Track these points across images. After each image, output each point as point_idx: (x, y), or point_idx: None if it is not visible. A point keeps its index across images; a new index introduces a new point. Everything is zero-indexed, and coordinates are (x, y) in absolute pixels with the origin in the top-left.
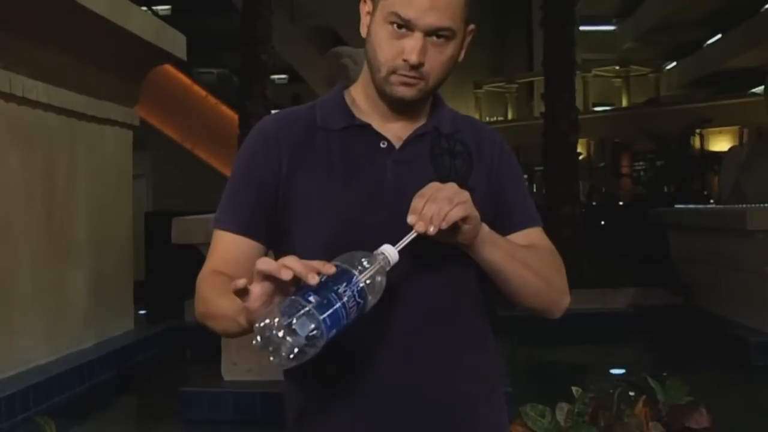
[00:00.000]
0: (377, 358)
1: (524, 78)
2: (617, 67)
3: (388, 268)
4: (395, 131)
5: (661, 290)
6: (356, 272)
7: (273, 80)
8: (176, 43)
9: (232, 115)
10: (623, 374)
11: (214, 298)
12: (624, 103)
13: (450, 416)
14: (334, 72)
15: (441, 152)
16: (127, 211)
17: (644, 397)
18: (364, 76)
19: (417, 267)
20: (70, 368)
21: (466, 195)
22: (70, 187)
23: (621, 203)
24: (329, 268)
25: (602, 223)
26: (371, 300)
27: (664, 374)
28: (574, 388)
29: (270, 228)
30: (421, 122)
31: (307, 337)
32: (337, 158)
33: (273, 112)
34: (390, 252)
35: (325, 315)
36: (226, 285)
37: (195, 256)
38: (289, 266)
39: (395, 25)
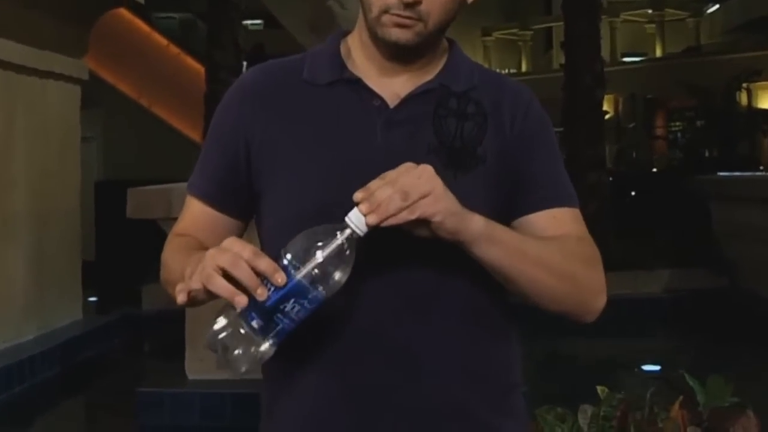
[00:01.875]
0: (347, 349)
1: (541, 23)
2: (650, 11)
3: (357, 236)
4: (394, 88)
5: (702, 271)
6: (301, 277)
7: (245, 26)
8: None
9: (197, 68)
10: (657, 371)
11: (171, 263)
12: (658, 52)
13: (432, 420)
14: (317, 17)
15: (447, 113)
16: (73, 179)
17: (681, 397)
18: (360, 20)
19: (401, 247)
20: (7, 365)
21: (432, 186)
22: (7, 152)
23: (655, 170)
24: (278, 278)
25: (633, 193)
26: (327, 293)
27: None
28: (599, 388)
29: (242, 199)
30: (429, 77)
31: (253, 356)
32: (321, 118)
33: (245, 65)
34: (356, 223)
35: (268, 336)
36: (185, 248)
37: (154, 232)
38: (239, 276)
39: None
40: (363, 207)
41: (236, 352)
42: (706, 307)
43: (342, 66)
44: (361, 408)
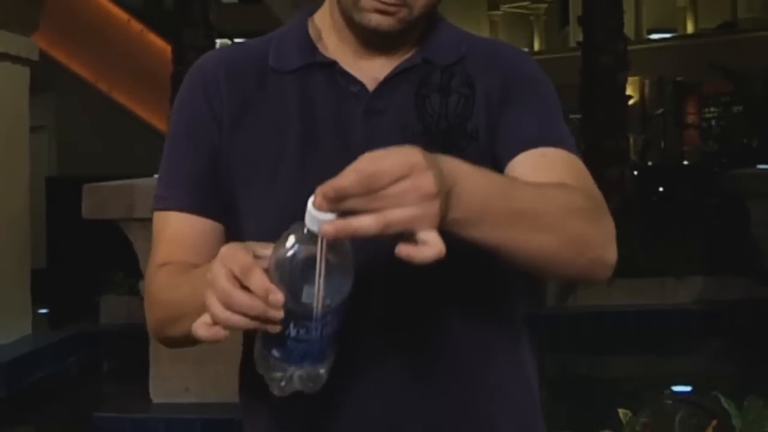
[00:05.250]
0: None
1: None
2: None
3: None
4: (372, 71)
5: (738, 280)
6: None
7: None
8: None
9: (163, 47)
10: (688, 392)
11: (170, 294)
12: (689, 28)
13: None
14: None
15: (429, 91)
16: (21, 175)
17: (715, 422)
18: None
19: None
20: None
21: (432, 187)
22: None
23: (685, 163)
24: (276, 298)
25: (660, 189)
26: (327, 303)
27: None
28: (621, 411)
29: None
30: (410, 55)
31: (294, 375)
32: (292, 110)
33: (218, 43)
34: (310, 225)
35: (294, 364)
36: (182, 272)
37: (113, 235)
38: (235, 325)
39: None
40: (328, 228)
41: (275, 375)
42: (743, 320)
43: (313, 49)
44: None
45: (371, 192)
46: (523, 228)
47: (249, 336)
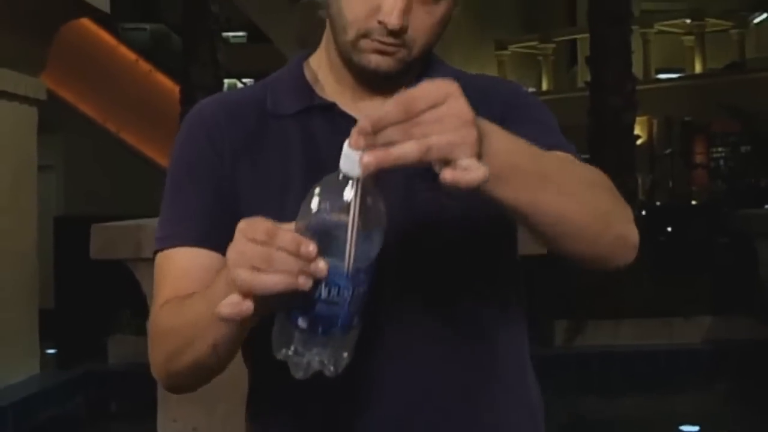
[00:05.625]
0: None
1: (564, 35)
2: (689, 21)
3: (352, 185)
4: (371, 110)
5: (746, 320)
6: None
7: (226, 39)
8: None
9: (171, 87)
10: None
11: (179, 320)
12: (698, 68)
13: None
14: (307, 29)
15: None
16: (29, 215)
17: None
18: (327, 38)
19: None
20: None
21: (468, 113)
22: None
23: (694, 203)
24: (308, 250)
25: (669, 229)
26: (361, 256)
27: None
28: None
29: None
30: None
31: (313, 360)
32: (294, 153)
33: (226, 83)
34: (347, 168)
35: (318, 337)
36: (187, 300)
37: (121, 275)
38: (269, 287)
39: None
40: (370, 160)
41: (296, 357)
42: (751, 360)
43: (310, 92)
44: None
45: (409, 117)
46: (550, 192)
47: (255, 370)
